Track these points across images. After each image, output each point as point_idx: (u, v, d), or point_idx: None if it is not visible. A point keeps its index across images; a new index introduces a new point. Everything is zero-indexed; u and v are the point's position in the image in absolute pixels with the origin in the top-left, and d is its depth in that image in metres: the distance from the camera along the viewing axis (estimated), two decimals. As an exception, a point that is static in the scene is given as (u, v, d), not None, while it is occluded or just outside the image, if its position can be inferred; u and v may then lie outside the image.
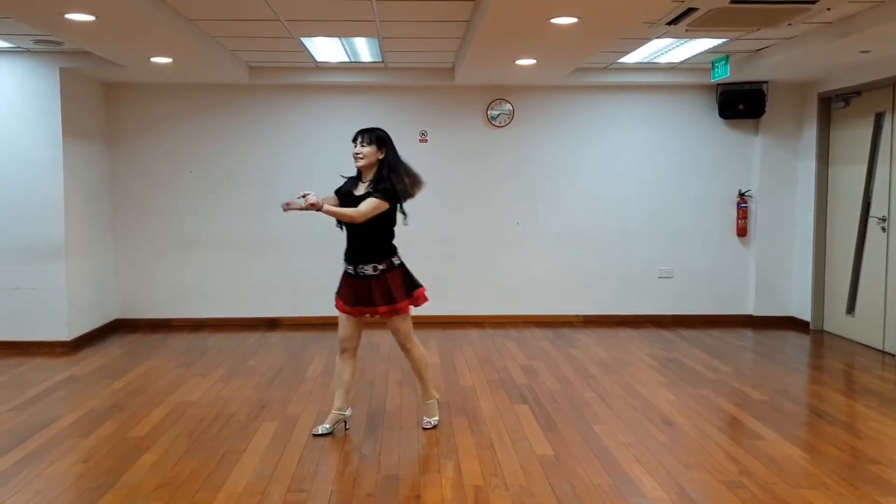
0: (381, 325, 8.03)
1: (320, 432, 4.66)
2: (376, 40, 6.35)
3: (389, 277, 4.59)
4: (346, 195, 4.66)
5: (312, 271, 8.21)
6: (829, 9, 5.19)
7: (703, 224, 8.33)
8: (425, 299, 4.80)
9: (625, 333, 7.80)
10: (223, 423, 4.93)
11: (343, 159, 8.11)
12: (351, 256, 4.64)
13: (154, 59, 6.45)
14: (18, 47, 6.64)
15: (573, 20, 4.97)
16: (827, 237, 7.84)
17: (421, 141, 8.19)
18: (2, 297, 6.99)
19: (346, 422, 4.78)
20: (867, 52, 6.14)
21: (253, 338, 7.61)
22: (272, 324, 8.23)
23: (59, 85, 6.90)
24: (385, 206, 4.53)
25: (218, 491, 3.82)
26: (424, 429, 4.76)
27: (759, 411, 5.15)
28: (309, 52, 6.79)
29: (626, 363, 6.53)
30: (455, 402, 5.39)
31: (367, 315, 4.71)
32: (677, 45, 6.59)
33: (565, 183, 8.28)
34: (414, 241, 8.18)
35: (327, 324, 8.12)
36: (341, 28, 5.90)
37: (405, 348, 4.81)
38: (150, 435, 4.69)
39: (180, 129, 8.05)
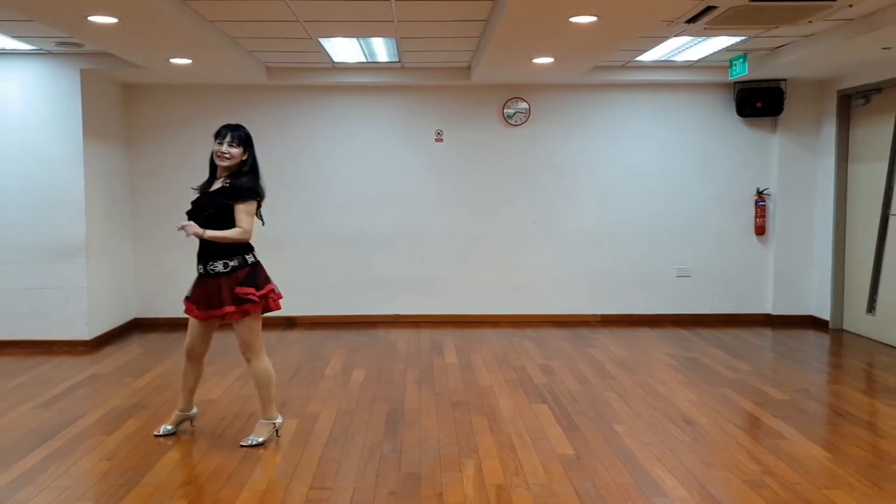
0: (396, 325, 8.15)
1: (162, 433, 4.65)
2: (393, 40, 6.36)
3: (240, 274, 4.38)
4: (200, 191, 4.52)
5: (330, 270, 8.26)
6: (851, 5, 5.16)
7: (720, 223, 8.30)
8: (277, 305, 4.56)
9: (643, 333, 7.78)
10: (244, 420, 4.96)
11: (360, 158, 8.20)
12: (200, 254, 4.44)
13: (173, 60, 6.49)
14: (40, 49, 6.70)
15: (592, 19, 4.97)
16: (846, 235, 7.80)
17: (436, 140, 8.21)
18: (24, 296, 7.06)
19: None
20: (889, 48, 6.10)
21: (272, 336, 7.64)
22: (290, 322, 8.27)
23: (79, 86, 6.96)
24: (254, 205, 4.48)
25: (241, 489, 3.85)
26: (242, 446, 4.44)
27: (781, 411, 5.13)
28: (326, 52, 6.82)
29: (645, 363, 6.52)
30: (474, 401, 5.40)
31: (217, 319, 4.47)
32: (695, 44, 6.57)
33: (582, 182, 8.27)
34: (430, 241, 8.26)
35: (345, 322, 8.20)
36: (359, 29, 5.92)
37: (246, 356, 4.54)
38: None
39: (198, 129, 8.07)
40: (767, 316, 8.31)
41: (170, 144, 8.11)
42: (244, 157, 4.49)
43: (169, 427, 4.70)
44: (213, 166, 4.57)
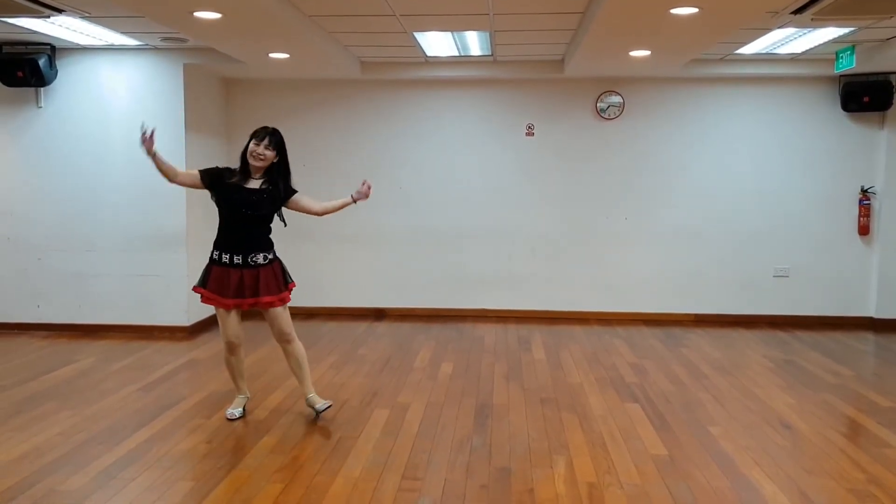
0: (484, 319, 8.15)
1: (237, 416, 4.84)
2: (488, 34, 6.35)
3: (276, 266, 4.78)
4: (234, 187, 4.66)
5: (419, 264, 8.32)
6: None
7: (822, 222, 7.99)
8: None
9: (738, 334, 7.57)
10: (337, 408, 5.04)
11: (451, 153, 8.22)
12: (241, 246, 4.66)
13: (272, 55, 6.64)
14: (146, 45, 6.95)
15: (694, 10, 4.85)
16: (959, 237, 7.40)
17: (527, 135, 8.16)
18: (130, 283, 7.36)
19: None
20: None
21: (362, 327, 7.76)
22: (379, 314, 8.37)
23: (182, 81, 7.19)
24: None
25: (335, 475, 3.92)
26: (319, 411, 4.83)
27: (886, 418, 4.91)
28: (420, 46, 6.86)
29: (740, 364, 6.34)
30: (563, 398, 5.35)
31: (245, 306, 4.73)
32: (800, 35, 6.33)
33: (677, 178, 8.09)
34: (519, 236, 8.23)
35: (433, 315, 8.25)
36: (455, 22, 5.92)
37: (289, 338, 4.86)
38: (268, 418, 4.85)
39: (294, 123, 8.26)
40: (870, 319, 7.96)
41: (266, 137, 8.29)
42: (276, 160, 4.72)
43: (239, 411, 4.90)
44: (243, 162, 4.69)
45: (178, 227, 7.28)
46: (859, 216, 7.91)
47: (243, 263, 4.65)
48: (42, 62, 6.88)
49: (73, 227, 7.36)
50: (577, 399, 5.33)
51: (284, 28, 5.57)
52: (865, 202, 7.87)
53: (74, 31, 6.32)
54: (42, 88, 7.20)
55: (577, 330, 7.74)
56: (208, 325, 7.73)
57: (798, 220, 8.00)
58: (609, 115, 8.07)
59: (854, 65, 6.82)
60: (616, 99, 8.04)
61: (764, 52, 7.06)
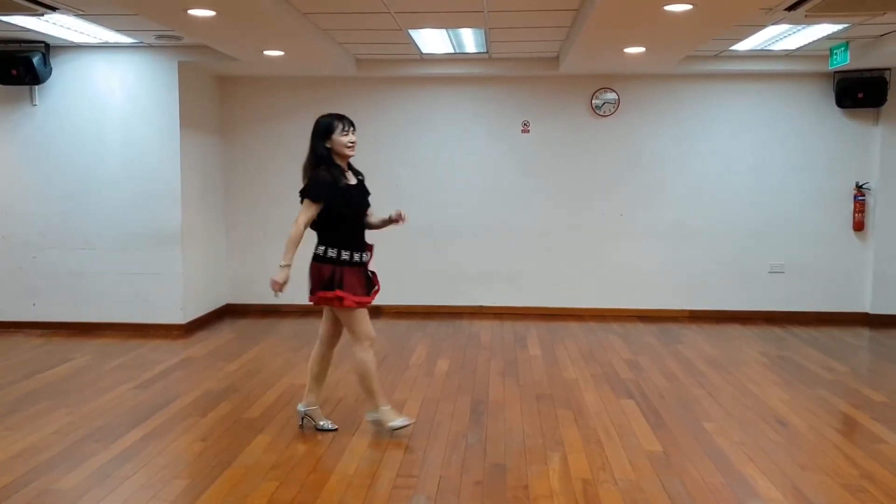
0: (480, 316, 8.16)
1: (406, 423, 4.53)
2: (483, 31, 6.35)
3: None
4: (346, 187, 4.46)
5: (415, 261, 8.32)
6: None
7: (817, 217, 8.01)
8: None
9: (734, 330, 7.58)
10: (332, 406, 5.05)
11: (447, 150, 8.22)
12: (358, 244, 4.55)
13: (267, 53, 6.64)
14: (141, 42, 6.94)
15: (688, 7, 4.85)
16: (954, 233, 7.42)
17: (523, 132, 8.16)
18: (124, 281, 7.35)
19: None
20: None
21: (357, 325, 7.75)
22: (375, 311, 8.36)
23: (177, 78, 7.18)
24: None
25: (330, 473, 3.93)
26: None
27: (880, 414, 4.93)
28: (415, 43, 6.85)
29: (736, 360, 6.35)
30: (559, 394, 5.36)
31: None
32: (794, 32, 6.34)
33: (672, 174, 8.10)
34: (516, 233, 8.23)
35: (429, 312, 8.25)
36: (450, 19, 5.92)
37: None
38: (263, 416, 4.86)
39: (289, 120, 8.26)
40: (865, 315, 7.98)
41: (262, 135, 8.30)
42: None
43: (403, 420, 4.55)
44: (325, 159, 4.42)
45: (174, 225, 7.28)
46: (854, 212, 7.93)
47: (360, 262, 4.56)
48: (36, 60, 6.87)
49: (68, 224, 7.35)
50: (573, 395, 5.34)
51: (279, 25, 5.56)
52: (860, 198, 7.89)
53: (69, 28, 6.31)
54: (36, 86, 7.18)
55: (574, 326, 7.75)
56: (204, 322, 7.74)
57: (793, 216, 8.02)
58: (604, 112, 8.07)
59: (848, 61, 6.83)
60: (611, 96, 8.04)
61: (758, 48, 7.07)
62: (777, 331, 7.54)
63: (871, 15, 5.63)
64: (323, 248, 4.47)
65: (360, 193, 4.59)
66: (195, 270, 7.60)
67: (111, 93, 7.23)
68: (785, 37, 6.52)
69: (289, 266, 4.38)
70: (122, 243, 7.33)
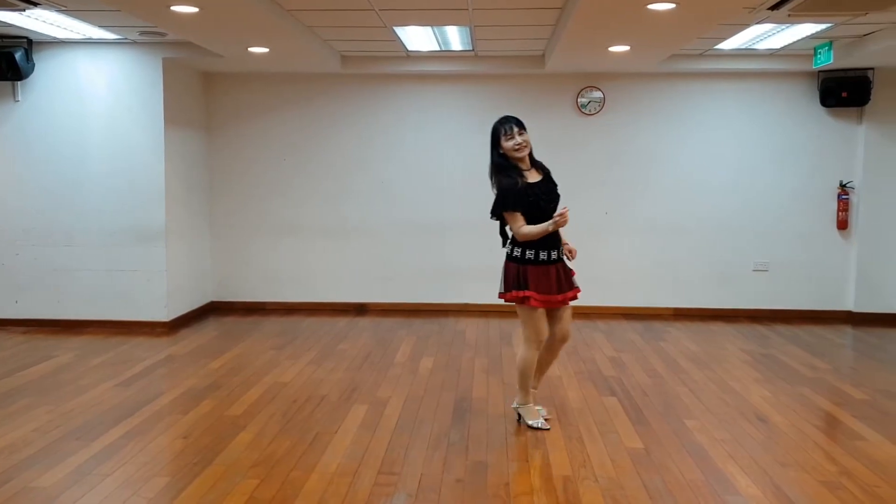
0: (466, 314, 8.16)
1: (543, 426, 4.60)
2: (468, 28, 6.35)
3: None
4: (527, 187, 4.47)
5: (401, 259, 8.32)
6: (946, -10, 4.93)
7: (800, 216, 8.05)
8: None
9: (717, 327, 7.62)
10: (315, 404, 5.04)
11: (432, 147, 8.22)
12: (552, 240, 4.51)
13: (251, 49, 6.61)
14: (125, 38, 6.91)
15: (671, 6, 4.86)
16: (935, 231, 7.47)
17: (510, 129, 8.15)
18: (108, 278, 7.32)
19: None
20: None
21: (342, 322, 7.75)
22: (361, 309, 8.37)
23: (161, 75, 7.15)
24: None
25: (311, 471, 3.92)
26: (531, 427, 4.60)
27: (860, 411, 4.96)
28: (401, 41, 6.84)
29: (718, 358, 6.38)
30: (542, 392, 5.33)
31: (566, 301, 4.55)
32: (778, 31, 6.37)
33: (657, 173, 8.12)
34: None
35: (414, 310, 8.24)
36: (434, 17, 5.92)
37: (568, 335, 4.66)
38: (245, 414, 4.84)
39: (274, 117, 8.24)
40: (848, 313, 8.03)
41: (247, 132, 8.28)
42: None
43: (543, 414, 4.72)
44: (501, 166, 4.52)
45: (158, 221, 7.25)
46: (838, 210, 7.97)
47: (558, 258, 4.53)
48: (18, 56, 6.82)
49: (51, 221, 7.31)
50: (556, 392, 5.35)
51: (263, 22, 5.54)
52: (844, 197, 7.93)
53: (51, 24, 6.27)
54: (19, 82, 7.13)
55: (558, 324, 7.75)
56: (188, 320, 7.71)
57: (777, 214, 8.05)
58: (590, 111, 8.08)
59: (832, 60, 6.87)
60: (597, 94, 8.06)
61: (743, 47, 7.10)
62: (760, 329, 7.57)
63: (854, 15, 5.66)
64: (511, 246, 4.64)
65: (544, 189, 4.54)
66: (179, 267, 7.57)
67: (94, 89, 7.19)
68: (769, 36, 6.55)
69: (548, 225, 4.37)
70: (105, 240, 7.29)
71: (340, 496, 3.62)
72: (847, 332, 7.52)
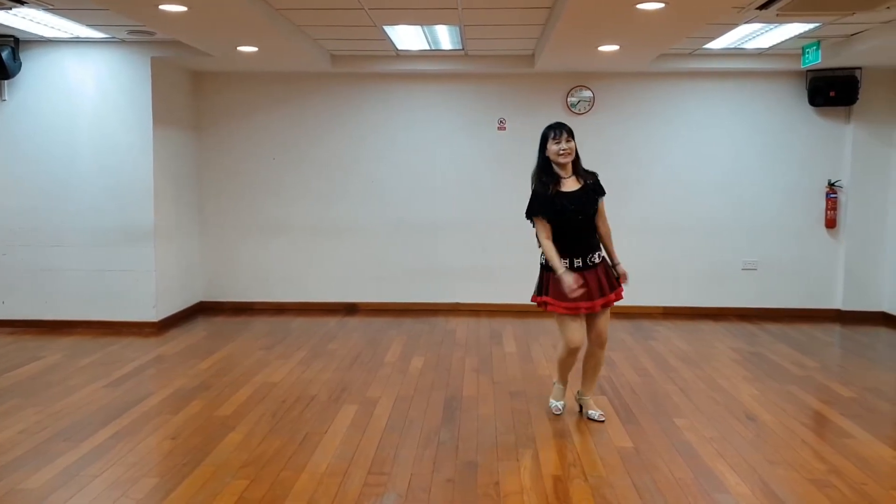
0: (456, 313, 8.16)
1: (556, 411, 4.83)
2: (458, 28, 6.35)
3: (605, 264, 4.66)
4: (556, 195, 4.54)
5: (391, 258, 8.31)
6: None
7: (789, 215, 8.08)
8: None
9: (706, 326, 7.64)
10: (305, 404, 5.03)
11: (423, 146, 8.21)
12: (580, 248, 4.57)
13: (241, 48, 6.59)
14: (113, 37, 6.88)
15: (660, 6, 4.88)
16: (923, 230, 7.52)
17: (499, 129, 8.17)
18: (95, 278, 7.28)
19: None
20: (972, 36, 5.85)
21: (332, 322, 7.74)
22: (351, 309, 8.36)
23: (150, 74, 7.12)
24: None
25: (301, 471, 3.91)
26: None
27: (848, 409, 4.99)
28: (390, 40, 6.83)
29: (707, 356, 6.40)
30: (532, 391, 5.38)
31: (598, 308, 4.57)
32: (766, 31, 6.39)
33: (646, 172, 8.14)
34: (492, 229, 8.23)
35: (405, 310, 8.24)
36: (424, 16, 5.91)
37: (605, 340, 4.70)
38: (235, 414, 4.83)
39: (264, 116, 8.22)
40: (837, 311, 8.07)
41: (236, 132, 8.25)
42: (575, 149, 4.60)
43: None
44: (542, 169, 4.66)
45: (146, 221, 7.22)
46: (826, 209, 8.01)
47: (584, 265, 4.54)
48: (5, 54, 6.78)
49: (38, 221, 7.27)
50: (547, 392, 5.33)
51: (252, 21, 5.53)
52: (832, 195, 7.97)
53: (38, 23, 6.23)
54: (6, 81, 7.09)
55: (549, 323, 7.74)
56: (177, 320, 7.68)
57: (766, 213, 8.09)
58: (580, 110, 8.09)
59: (820, 60, 6.90)
60: (587, 93, 8.07)
61: (732, 46, 7.12)
62: (749, 327, 7.60)
63: (841, 14, 5.69)
64: (540, 252, 4.72)
65: (576, 200, 4.55)
66: (168, 267, 7.54)
67: (83, 88, 7.16)
68: (757, 35, 6.58)
69: (565, 270, 4.49)
70: (93, 240, 7.26)
71: (330, 496, 3.61)
72: (835, 331, 7.55)
